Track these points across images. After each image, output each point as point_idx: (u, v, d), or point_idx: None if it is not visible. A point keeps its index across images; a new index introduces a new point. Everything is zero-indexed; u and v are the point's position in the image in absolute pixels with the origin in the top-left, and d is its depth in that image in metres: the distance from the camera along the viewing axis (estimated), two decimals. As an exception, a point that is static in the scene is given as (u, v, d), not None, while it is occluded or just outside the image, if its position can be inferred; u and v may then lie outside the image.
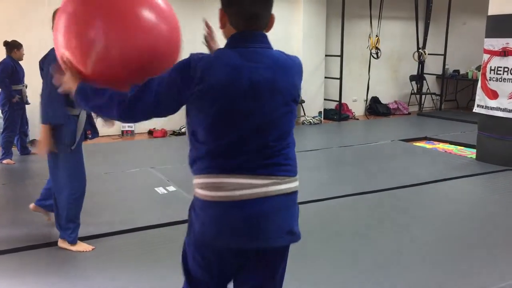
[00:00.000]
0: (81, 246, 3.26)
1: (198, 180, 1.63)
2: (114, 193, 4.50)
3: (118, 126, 7.38)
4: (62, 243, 3.27)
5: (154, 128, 7.53)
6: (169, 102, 1.61)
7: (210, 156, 1.59)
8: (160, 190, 4.56)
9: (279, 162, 1.62)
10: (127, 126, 7.36)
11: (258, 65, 1.58)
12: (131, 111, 1.59)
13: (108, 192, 4.52)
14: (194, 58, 1.54)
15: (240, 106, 1.54)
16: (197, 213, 1.64)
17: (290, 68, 1.67)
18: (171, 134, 7.52)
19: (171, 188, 4.60)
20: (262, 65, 1.59)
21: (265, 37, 1.71)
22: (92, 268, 3.03)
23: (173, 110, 1.65)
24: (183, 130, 7.52)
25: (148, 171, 5.25)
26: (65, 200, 3.18)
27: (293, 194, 1.68)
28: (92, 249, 3.25)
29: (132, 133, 7.38)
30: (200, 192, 1.62)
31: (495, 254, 3.23)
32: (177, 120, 7.77)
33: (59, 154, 3.12)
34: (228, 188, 1.56)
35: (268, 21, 1.71)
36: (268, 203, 1.58)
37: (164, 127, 7.57)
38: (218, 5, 1.67)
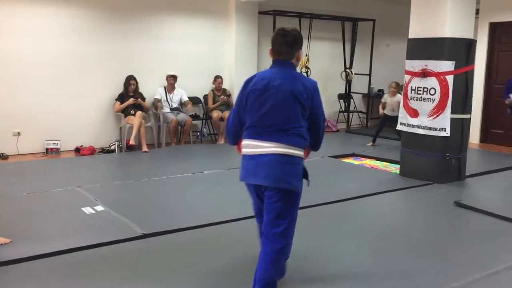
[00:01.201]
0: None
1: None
2: (36, 214, 4.25)
3: (42, 143, 7.04)
4: None
5: (81, 146, 7.24)
6: (239, 108, 2.78)
7: (246, 129, 2.72)
8: (88, 210, 4.38)
9: (279, 135, 2.60)
10: (51, 143, 7.03)
11: (275, 77, 2.67)
12: (226, 129, 2.92)
13: (30, 213, 4.27)
14: (246, 80, 2.77)
15: (258, 100, 2.65)
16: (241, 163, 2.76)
17: (295, 80, 2.65)
18: (99, 152, 7.27)
19: (99, 208, 4.42)
20: (277, 77, 2.66)
21: (287, 63, 2.73)
22: (11, 296, 2.83)
23: (243, 111, 2.74)
24: (112, 147, 7.30)
25: (75, 190, 5.03)
26: None
27: (288, 156, 2.60)
28: (10, 241, 3.05)
29: (57, 150, 7.05)
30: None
31: (419, 265, 3.38)
32: (106, 137, 7.53)
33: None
34: (249, 147, 2.68)
35: (293, 56, 2.74)
36: (268, 157, 2.59)
37: (92, 144, 7.31)
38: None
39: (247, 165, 2.67)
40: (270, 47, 2.75)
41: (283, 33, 2.71)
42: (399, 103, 6.79)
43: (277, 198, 2.60)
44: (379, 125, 8.43)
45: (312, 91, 2.65)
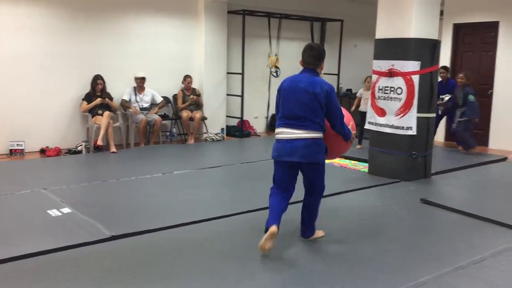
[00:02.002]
0: None
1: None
2: (0, 217, 4.13)
3: (6, 144, 6.85)
4: None
5: (47, 147, 7.08)
6: (276, 105, 3.70)
7: (278, 120, 3.62)
8: (54, 212, 4.28)
9: (302, 124, 3.47)
10: (16, 145, 6.85)
11: (301, 80, 3.57)
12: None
13: (-6, 216, 4.14)
14: (282, 82, 3.68)
15: (286, 98, 3.56)
16: (273, 145, 3.63)
17: (315, 84, 3.50)
18: (66, 153, 7.12)
19: (66, 210, 4.33)
20: (303, 80, 3.55)
21: (313, 70, 3.62)
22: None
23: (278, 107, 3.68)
24: (79, 148, 7.16)
25: (40, 192, 4.91)
26: None
27: (309, 139, 3.47)
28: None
29: (22, 152, 6.87)
30: (275, 135, 3.62)
31: (386, 261, 3.45)
32: (73, 138, 7.39)
33: None
34: (280, 133, 3.58)
35: (318, 66, 3.63)
36: (295, 141, 3.49)
37: (58, 145, 7.15)
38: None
39: (281, 147, 3.55)
40: (301, 58, 3.66)
41: (311, 47, 3.64)
42: None
43: (309, 171, 3.61)
44: (360, 124, 8.07)
45: (328, 93, 3.48)
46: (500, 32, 8.19)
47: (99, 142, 7.04)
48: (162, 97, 8.35)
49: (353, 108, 8.10)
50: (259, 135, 9.43)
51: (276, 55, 9.18)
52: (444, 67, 8.07)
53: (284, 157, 3.53)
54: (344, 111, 3.71)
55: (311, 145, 3.47)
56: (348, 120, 3.76)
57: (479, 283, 3.10)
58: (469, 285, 3.07)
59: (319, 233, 3.86)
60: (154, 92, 7.99)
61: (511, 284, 3.11)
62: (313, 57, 3.59)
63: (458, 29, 8.85)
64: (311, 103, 3.45)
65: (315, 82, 3.49)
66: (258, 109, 9.79)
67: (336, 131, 3.60)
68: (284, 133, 3.54)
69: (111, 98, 7.51)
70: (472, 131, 7.73)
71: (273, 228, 3.39)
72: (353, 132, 3.77)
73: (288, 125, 3.52)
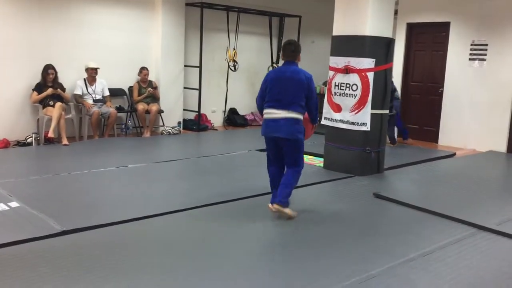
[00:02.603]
0: None
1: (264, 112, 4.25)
2: None
3: (-51, 136, 6.52)
4: None
5: (-6, 138, 6.78)
6: (263, 92, 4.29)
7: (267, 103, 4.21)
8: (1, 206, 4.11)
9: (285, 106, 4.11)
10: (-40, 136, 6.52)
11: (286, 70, 4.23)
12: (258, 106, 4.40)
13: None
14: (267, 74, 4.35)
15: (273, 85, 4.18)
16: (262, 124, 4.28)
17: (299, 73, 4.20)
18: (14, 145, 6.84)
19: (14, 204, 4.17)
20: (287, 70, 4.22)
21: (293, 62, 4.28)
22: None
23: (265, 93, 4.26)
24: (28, 140, 6.90)
25: (-14, 186, 4.70)
26: None
27: (291, 119, 4.11)
28: None
29: (-33, 143, 6.55)
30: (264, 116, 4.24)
31: (339, 253, 3.51)
32: (22, 129, 7.13)
33: None
34: (267, 113, 4.19)
35: (295, 58, 4.30)
36: (279, 121, 4.12)
37: (6, 137, 6.87)
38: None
39: (269, 125, 4.19)
40: (281, 52, 4.43)
41: (289, 43, 4.34)
42: None
43: (289, 146, 4.19)
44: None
45: (309, 80, 4.20)
46: (451, 32, 8.48)
47: (50, 134, 6.81)
48: (117, 89, 8.18)
49: None
50: (216, 129, 9.39)
51: (234, 49, 9.15)
52: None
53: (270, 133, 4.20)
54: None
55: (293, 123, 4.13)
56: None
57: (428, 274, 3.21)
58: (418, 277, 3.18)
59: (290, 211, 4.20)
60: (104, 83, 7.79)
61: (457, 274, 3.23)
62: (292, 51, 4.27)
63: (411, 28, 9.09)
64: (295, 89, 4.15)
65: (298, 71, 4.21)
66: (216, 103, 9.74)
67: (310, 114, 4.33)
68: (272, 113, 4.19)
69: (63, 89, 7.28)
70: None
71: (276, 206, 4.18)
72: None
73: (275, 107, 4.16)
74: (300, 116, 4.16)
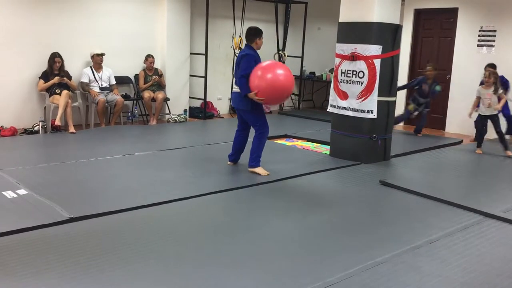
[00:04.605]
0: None
1: None
2: (-48, 199, 3.98)
3: (-43, 124, 6.56)
4: None
5: (2, 126, 6.82)
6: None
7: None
8: (9, 194, 4.14)
9: (235, 82, 5.16)
10: (-32, 124, 6.56)
11: (241, 52, 5.19)
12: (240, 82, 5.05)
13: None
14: (249, 53, 5.05)
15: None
16: None
17: (241, 53, 5.12)
18: (22, 133, 6.88)
19: (22, 192, 4.20)
20: (240, 53, 5.23)
21: (248, 45, 5.13)
22: None
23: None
24: (36, 128, 6.94)
25: (-5, 173, 4.74)
26: None
27: (237, 92, 5.05)
28: None
29: (-26, 131, 6.60)
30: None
31: (345, 240, 3.52)
32: (29, 117, 7.16)
33: None
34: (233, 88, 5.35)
35: (252, 41, 5.10)
36: (233, 94, 5.32)
37: (14, 125, 6.90)
38: None
39: (231, 96, 5.48)
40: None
41: (248, 29, 5.11)
42: (499, 98, 6.47)
43: (244, 114, 5.15)
44: (478, 129, 7.05)
45: (241, 56, 5.00)
46: (459, 18, 8.39)
47: (57, 122, 6.84)
48: (123, 77, 8.19)
49: (470, 111, 6.85)
50: (222, 117, 9.39)
51: (240, 36, 9.09)
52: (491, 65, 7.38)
53: (233, 104, 5.27)
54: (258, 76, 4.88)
55: (239, 97, 5.03)
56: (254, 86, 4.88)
57: (434, 262, 3.22)
58: (424, 264, 3.18)
59: (261, 170, 5.09)
60: (111, 72, 7.79)
61: (464, 262, 3.23)
62: (247, 37, 5.09)
63: (419, 14, 9.00)
64: (237, 69, 5.03)
65: (242, 52, 5.08)
66: (222, 91, 9.72)
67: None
68: (234, 88, 5.22)
69: (69, 77, 7.29)
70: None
71: (229, 163, 5.42)
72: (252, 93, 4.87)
73: (235, 83, 5.15)
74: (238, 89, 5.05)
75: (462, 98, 8.33)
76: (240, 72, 4.95)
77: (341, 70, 5.97)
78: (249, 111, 5.04)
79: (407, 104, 8.24)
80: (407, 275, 3.02)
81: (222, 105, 9.76)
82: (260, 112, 5.12)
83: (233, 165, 5.43)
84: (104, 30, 7.91)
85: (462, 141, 7.66)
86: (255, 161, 5.12)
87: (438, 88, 7.66)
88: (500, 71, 7.82)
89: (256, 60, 5.00)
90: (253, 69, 4.90)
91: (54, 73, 7.12)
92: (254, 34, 5.04)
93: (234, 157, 5.45)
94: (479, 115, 6.81)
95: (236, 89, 5.10)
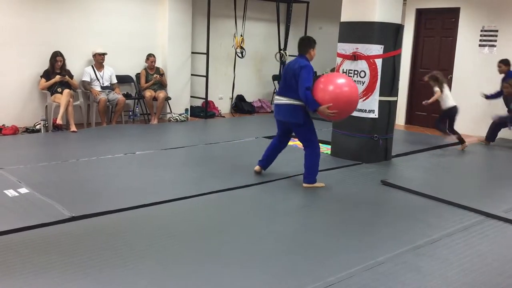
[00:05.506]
0: None
1: None
2: (-47, 198, 3.98)
3: (-41, 123, 6.57)
4: None
5: (3, 125, 6.83)
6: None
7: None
8: (10, 192, 4.15)
9: (284, 93, 4.67)
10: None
11: (292, 62, 4.72)
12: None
13: None
14: (308, 64, 4.61)
15: (283, 74, 4.76)
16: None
17: (295, 64, 4.62)
18: (23, 132, 6.89)
19: (23, 190, 4.21)
20: (293, 63, 4.69)
21: (302, 55, 4.67)
22: None
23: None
24: (37, 127, 6.94)
25: (-4, 172, 4.75)
26: None
27: (287, 104, 4.63)
28: None
29: (-24, 130, 6.61)
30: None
31: (347, 240, 3.52)
32: (31, 116, 7.17)
33: None
34: (275, 99, 4.87)
35: (306, 52, 4.67)
36: (277, 106, 4.77)
37: (15, 124, 6.91)
38: None
39: (275, 109, 4.86)
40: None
41: (300, 38, 4.83)
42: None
43: (295, 128, 4.78)
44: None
45: (299, 67, 4.55)
46: (461, 18, 8.38)
47: (59, 121, 6.85)
48: (124, 76, 8.19)
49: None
50: (223, 116, 9.39)
51: (241, 35, 9.09)
52: (504, 61, 7.37)
53: (276, 116, 4.85)
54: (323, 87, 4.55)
55: (289, 109, 4.67)
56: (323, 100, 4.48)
57: (435, 261, 3.21)
58: (425, 264, 3.18)
59: (317, 184, 4.81)
60: (112, 71, 7.79)
61: (465, 262, 3.23)
62: (300, 47, 4.72)
63: (420, 14, 8.99)
64: (291, 79, 4.58)
65: (296, 63, 4.63)
66: (223, 90, 9.72)
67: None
68: (275, 99, 4.86)
69: (71, 76, 7.29)
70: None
71: (257, 168, 5.11)
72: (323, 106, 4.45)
73: (277, 93, 4.84)
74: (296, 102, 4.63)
75: (464, 97, 8.32)
76: (304, 84, 4.43)
77: (343, 69, 5.96)
78: (302, 126, 4.65)
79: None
80: (408, 275, 3.01)
81: (223, 104, 9.76)
82: (312, 126, 4.73)
83: (259, 171, 5.07)
84: (106, 29, 7.91)
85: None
86: (312, 179, 4.77)
87: None
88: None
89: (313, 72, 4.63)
90: (313, 81, 4.54)
91: (56, 72, 7.12)
92: (307, 45, 4.65)
93: (264, 163, 5.07)
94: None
95: (283, 100, 4.64)
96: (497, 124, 7.29)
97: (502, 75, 7.35)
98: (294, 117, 4.63)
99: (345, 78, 4.77)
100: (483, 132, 7.74)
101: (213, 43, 9.12)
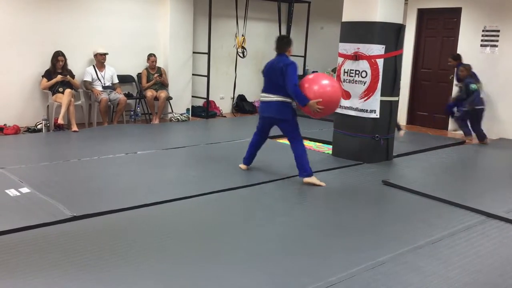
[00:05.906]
0: None
1: None
2: (-45, 197, 3.99)
3: (-39, 122, 6.58)
4: None
5: (5, 125, 6.84)
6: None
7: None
8: (12, 192, 4.16)
9: (271, 91, 4.87)
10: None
11: (274, 61, 4.91)
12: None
13: None
14: (293, 62, 4.82)
15: (266, 73, 4.97)
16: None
17: (278, 63, 4.82)
18: (25, 131, 6.90)
19: (25, 190, 4.22)
20: (275, 61, 4.88)
21: (282, 54, 4.90)
22: None
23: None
24: (39, 126, 6.95)
25: (-2, 171, 4.76)
26: None
27: (277, 101, 4.83)
28: None
29: (-22, 130, 6.62)
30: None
31: (348, 240, 3.52)
32: (32, 115, 7.17)
33: None
34: (261, 97, 4.99)
35: (286, 50, 4.92)
36: (265, 103, 4.94)
37: (17, 123, 6.92)
38: None
39: (260, 106, 5.08)
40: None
41: (278, 37, 5.05)
42: None
43: (279, 124, 4.99)
44: None
45: (284, 65, 4.76)
46: (462, 18, 8.36)
47: (60, 121, 6.86)
48: (126, 75, 8.19)
49: None
50: (225, 116, 9.39)
51: (243, 35, 9.09)
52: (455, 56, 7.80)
53: (262, 113, 5.04)
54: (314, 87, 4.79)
55: (274, 106, 4.88)
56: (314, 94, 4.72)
57: (436, 262, 3.21)
58: (426, 264, 3.18)
59: (314, 179, 4.89)
60: (114, 71, 7.80)
61: (466, 262, 3.23)
62: (278, 47, 4.94)
63: (422, 14, 8.98)
64: (278, 77, 4.78)
65: (279, 61, 4.83)
66: (224, 90, 9.72)
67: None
68: (261, 96, 4.98)
69: (72, 76, 7.30)
70: (476, 120, 7.41)
71: (243, 166, 5.31)
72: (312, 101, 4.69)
73: (263, 91, 4.96)
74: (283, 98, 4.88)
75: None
76: (292, 81, 4.67)
77: (344, 69, 5.96)
78: (289, 121, 4.87)
79: None
80: (409, 275, 3.01)
81: (224, 104, 9.76)
82: (297, 121, 4.97)
83: (246, 169, 5.28)
84: (107, 29, 7.91)
85: (465, 141, 7.64)
86: (307, 170, 4.89)
87: (472, 87, 7.33)
88: (502, 71, 7.80)
89: None
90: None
91: (57, 71, 7.13)
92: (287, 43, 4.91)
93: (249, 161, 5.31)
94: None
95: (269, 98, 4.85)
96: (462, 119, 7.53)
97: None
98: (283, 113, 4.85)
99: (329, 79, 4.98)
100: (488, 132, 7.67)
101: (215, 43, 9.13)
